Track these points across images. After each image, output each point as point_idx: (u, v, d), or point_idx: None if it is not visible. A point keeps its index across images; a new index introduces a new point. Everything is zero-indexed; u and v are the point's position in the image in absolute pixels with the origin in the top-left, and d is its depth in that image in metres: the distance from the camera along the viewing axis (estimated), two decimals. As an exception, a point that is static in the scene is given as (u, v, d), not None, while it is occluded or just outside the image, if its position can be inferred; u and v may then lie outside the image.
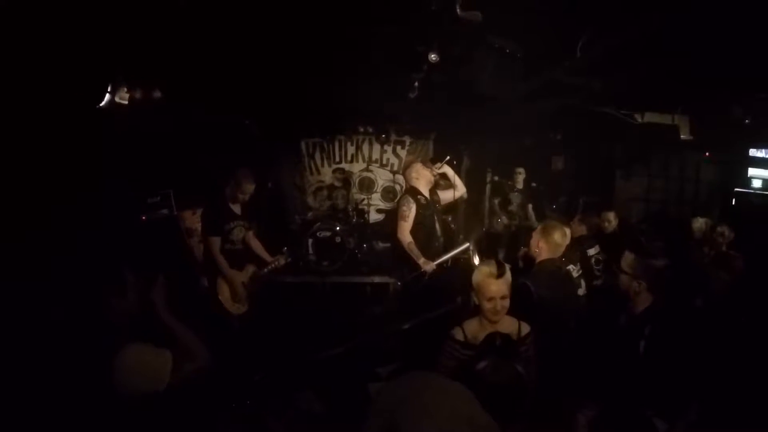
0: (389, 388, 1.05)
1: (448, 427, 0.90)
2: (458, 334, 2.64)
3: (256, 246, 4.56)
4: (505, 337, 2.28)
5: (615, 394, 2.61)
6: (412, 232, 4.18)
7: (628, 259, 2.68)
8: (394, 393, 1.02)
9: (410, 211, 4.15)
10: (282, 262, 4.50)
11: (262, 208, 6.63)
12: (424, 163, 4.46)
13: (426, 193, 4.35)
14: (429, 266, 3.99)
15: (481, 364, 2.43)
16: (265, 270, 4.44)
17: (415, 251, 4.06)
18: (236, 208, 4.38)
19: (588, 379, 2.75)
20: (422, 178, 4.32)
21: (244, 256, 4.44)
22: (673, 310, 2.68)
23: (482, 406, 1.44)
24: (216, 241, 4.19)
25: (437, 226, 4.40)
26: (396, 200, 8.39)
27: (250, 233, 4.52)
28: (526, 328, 2.65)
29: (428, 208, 4.30)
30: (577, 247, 4.25)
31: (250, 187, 4.32)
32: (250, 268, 4.43)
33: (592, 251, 4.62)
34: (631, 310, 2.69)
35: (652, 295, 2.64)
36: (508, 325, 2.63)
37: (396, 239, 4.22)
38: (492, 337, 2.30)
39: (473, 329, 2.64)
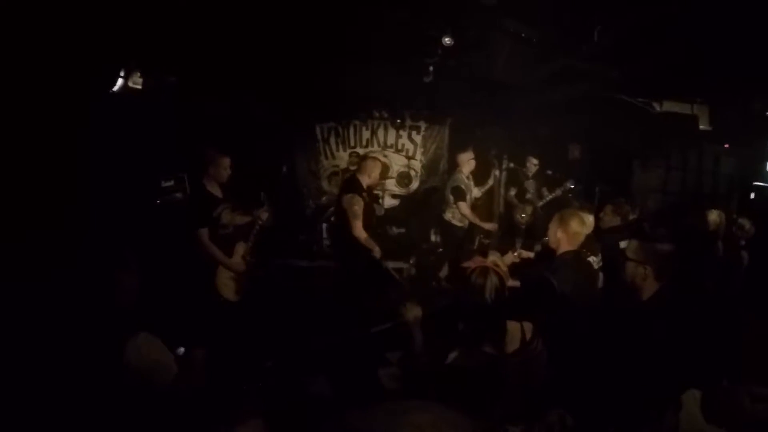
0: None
1: None
2: None
3: (240, 219, 4.38)
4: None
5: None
6: None
7: (632, 245, 2.68)
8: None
9: None
10: (264, 215, 4.38)
11: (277, 194, 6.67)
12: None
13: None
14: None
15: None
16: (253, 231, 4.34)
17: None
18: (217, 191, 4.28)
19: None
20: None
21: (233, 238, 4.31)
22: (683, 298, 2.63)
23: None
24: (204, 233, 4.08)
25: None
26: (409, 185, 8.42)
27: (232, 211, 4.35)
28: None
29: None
30: (605, 237, 4.15)
31: (226, 161, 4.21)
32: (240, 248, 4.32)
33: (623, 244, 4.46)
34: (638, 298, 2.64)
35: (659, 282, 2.59)
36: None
37: None
38: None
39: None
